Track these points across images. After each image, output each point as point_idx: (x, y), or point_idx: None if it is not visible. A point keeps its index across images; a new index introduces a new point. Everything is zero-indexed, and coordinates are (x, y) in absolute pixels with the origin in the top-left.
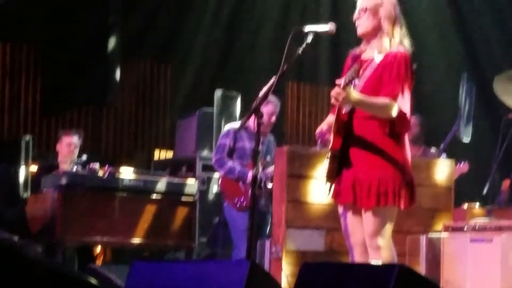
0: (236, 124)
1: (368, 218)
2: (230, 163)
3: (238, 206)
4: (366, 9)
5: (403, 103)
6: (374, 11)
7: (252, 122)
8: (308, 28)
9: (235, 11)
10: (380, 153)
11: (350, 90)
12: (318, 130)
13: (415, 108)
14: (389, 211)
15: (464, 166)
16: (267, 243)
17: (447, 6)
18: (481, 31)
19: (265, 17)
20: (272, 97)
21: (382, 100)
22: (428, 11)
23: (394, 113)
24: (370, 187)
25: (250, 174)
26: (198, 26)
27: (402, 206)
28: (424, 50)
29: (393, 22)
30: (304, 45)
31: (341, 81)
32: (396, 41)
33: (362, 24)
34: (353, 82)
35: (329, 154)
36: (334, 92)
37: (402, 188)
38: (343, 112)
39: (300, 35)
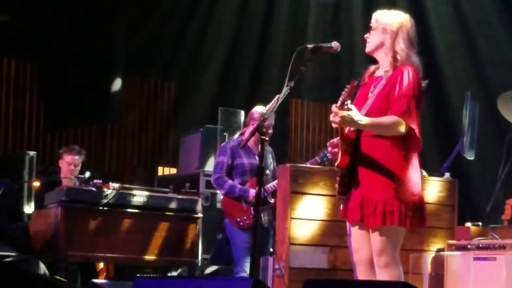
0: (232, 141)
1: (374, 237)
2: (230, 182)
3: (241, 225)
4: (371, 27)
5: (410, 120)
6: (377, 28)
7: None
8: (312, 46)
9: (238, 30)
10: (387, 172)
11: (344, 112)
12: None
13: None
14: (395, 231)
15: None
16: (270, 259)
17: (456, 24)
18: (489, 50)
19: (269, 35)
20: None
21: (389, 118)
22: (437, 29)
23: (402, 129)
24: (376, 206)
25: (251, 192)
26: (201, 44)
27: (408, 226)
28: (431, 68)
29: (395, 38)
30: (308, 63)
31: (337, 104)
32: (403, 57)
33: (368, 41)
34: (345, 104)
35: (339, 171)
36: (331, 115)
37: (409, 208)
38: (352, 130)
39: (304, 53)
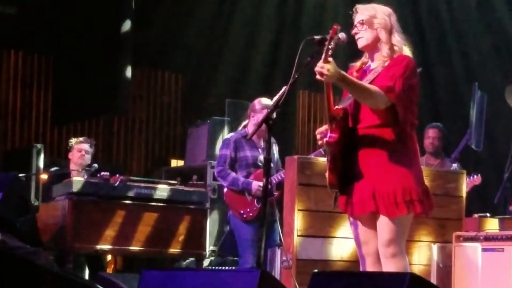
0: (236, 134)
1: (387, 226)
2: (233, 175)
3: (244, 217)
4: (362, 22)
5: (393, 96)
6: (370, 22)
7: (251, 130)
8: (319, 37)
9: (248, 22)
10: (396, 162)
11: (333, 63)
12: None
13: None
14: (407, 220)
15: (477, 179)
16: (278, 251)
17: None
18: (494, 40)
19: (276, 27)
20: (270, 102)
21: (371, 87)
22: (441, 21)
23: (382, 102)
24: (395, 196)
25: (254, 185)
26: (210, 36)
27: (428, 213)
28: (437, 59)
29: (390, 31)
30: (314, 54)
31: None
32: (400, 48)
33: (362, 37)
34: (330, 50)
35: (328, 163)
36: (318, 67)
37: (423, 195)
38: (339, 107)
39: (312, 44)
